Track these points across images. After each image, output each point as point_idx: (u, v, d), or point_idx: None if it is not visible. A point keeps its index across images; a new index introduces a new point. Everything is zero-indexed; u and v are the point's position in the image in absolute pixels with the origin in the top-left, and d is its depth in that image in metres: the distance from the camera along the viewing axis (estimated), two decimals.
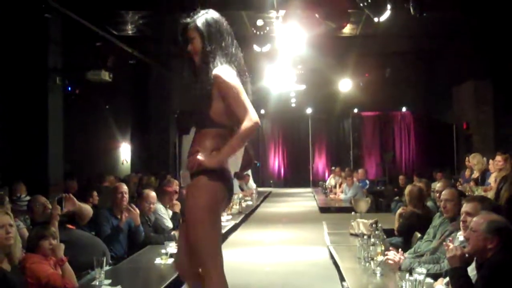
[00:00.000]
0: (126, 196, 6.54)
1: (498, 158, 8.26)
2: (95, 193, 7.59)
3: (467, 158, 10.79)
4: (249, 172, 17.06)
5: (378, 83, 17.07)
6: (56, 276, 4.26)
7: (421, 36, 12.70)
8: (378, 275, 4.67)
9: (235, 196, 11.70)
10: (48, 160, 9.35)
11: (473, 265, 3.74)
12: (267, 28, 10.02)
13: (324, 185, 16.02)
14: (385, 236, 6.22)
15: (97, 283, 4.43)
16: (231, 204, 10.58)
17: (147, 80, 15.03)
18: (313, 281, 6.26)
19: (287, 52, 11.24)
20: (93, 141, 13.15)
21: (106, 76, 10.27)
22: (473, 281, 3.60)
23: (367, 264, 4.96)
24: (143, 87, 15.17)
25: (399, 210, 6.96)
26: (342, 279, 5.26)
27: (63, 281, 4.27)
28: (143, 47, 12.96)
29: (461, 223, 4.34)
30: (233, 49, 3.40)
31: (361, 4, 7.53)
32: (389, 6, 7.64)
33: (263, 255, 7.71)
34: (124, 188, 6.63)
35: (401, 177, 14.30)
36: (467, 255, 3.65)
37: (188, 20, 3.39)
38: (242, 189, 15.15)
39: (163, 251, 5.58)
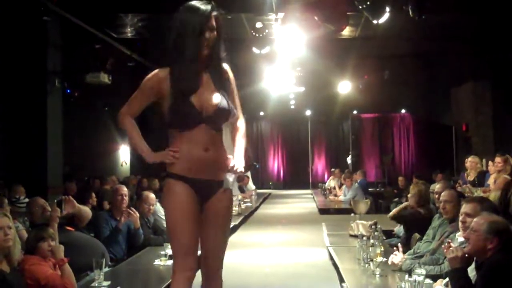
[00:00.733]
0: (126, 198, 6.54)
1: (498, 159, 8.25)
2: (94, 195, 7.60)
3: (466, 159, 10.79)
4: (249, 173, 17.08)
5: (377, 85, 17.06)
6: (55, 277, 4.25)
7: (420, 38, 12.70)
8: (378, 276, 4.67)
9: (235, 198, 11.71)
10: (47, 162, 9.35)
11: (473, 265, 3.73)
12: (266, 31, 10.02)
13: (323, 187, 16.03)
14: (384, 237, 6.26)
15: (96, 285, 4.43)
16: None
17: None
18: (312, 282, 6.28)
19: (286, 54, 11.23)
20: (92, 143, 13.15)
21: (105, 78, 10.28)
22: (473, 281, 3.60)
23: (367, 265, 4.95)
24: None
25: (404, 204, 6.97)
26: (341, 280, 5.25)
27: (62, 282, 4.26)
28: (142, 49, 12.96)
29: (460, 223, 4.35)
30: None
31: (360, 7, 7.54)
32: (388, 9, 7.65)
33: (262, 257, 7.71)
34: (124, 190, 6.63)
35: (400, 178, 14.30)
36: (467, 256, 3.64)
37: (212, 5, 3.24)
38: (241, 191, 15.16)
39: (162, 252, 5.58)
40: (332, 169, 17.86)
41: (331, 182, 16.04)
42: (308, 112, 21.81)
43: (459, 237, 4.46)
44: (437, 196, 6.03)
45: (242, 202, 11.87)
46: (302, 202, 16.59)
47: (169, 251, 5.54)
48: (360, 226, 6.80)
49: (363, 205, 8.29)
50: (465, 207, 4.32)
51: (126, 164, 15.77)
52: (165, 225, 7.05)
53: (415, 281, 3.80)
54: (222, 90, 3.29)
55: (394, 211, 7.00)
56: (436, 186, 6.69)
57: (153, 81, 3.25)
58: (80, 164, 12.18)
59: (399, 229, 7.07)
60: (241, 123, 3.36)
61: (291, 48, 10.52)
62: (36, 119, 9.36)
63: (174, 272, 3.20)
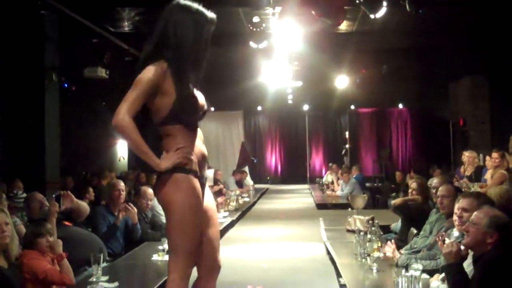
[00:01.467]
0: (123, 193, 6.55)
1: (495, 155, 8.28)
2: (91, 190, 7.60)
3: (463, 154, 10.80)
4: (246, 168, 17.09)
5: (374, 80, 17.05)
6: (53, 272, 4.27)
7: (418, 32, 12.70)
8: (375, 271, 4.68)
9: (232, 193, 11.72)
10: (45, 157, 9.35)
11: (470, 260, 3.76)
12: (264, 25, 10.03)
13: (321, 182, 16.03)
14: (381, 233, 6.25)
15: (94, 280, 4.43)
16: (228, 200, 10.61)
17: None
18: (310, 277, 6.25)
19: (284, 49, 11.24)
20: (90, 138, 13.14)
21: (102, 73, 10.27)
22: (470, 276, 3.63)
23: (364, 260, 4.96)
24: None
25: (412, 197, 6.97)
26: (338, 275, 5.27)
27: (61, 276, 4.28)
28: (140, 43, 12.94)
29: (456, 218, 4.36)
30: None
31: (357, 1, 7.56)
32: (385, 3, 7.67)
33: (260, 252, 7.71)
34: (121, 185, 6.64)
35: (398, 173, 14.33)
36: (463, 248, 3.67)
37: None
38: (239, 186, 15.17)
39: (160, 247, 5.58)
40: (330, 164, 17.87)
41: (328, 177, 16.05)
42: (305, 107, 21.77)
43: (455, 231, 4.48)
44: (434, 191, 6.05)
45: (239, 197, 11.87)
46: (300, 197, 16.54)
47: (166, 246, 5.57)
48: (357, 221, 6.83)
49: (360, 200, 8.30)
50: (462, 202, 4.33)
51: (124, 159, 15.77)
52: (163, 221, 7.13)
53: (411, 276, 3.81)
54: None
55: (399, 200, 6.97)
56: (434, 181, 6.71)
57: (158, 76, 3.13)
58: (78, 159, 12.17)
59: (396, 225, 7.07)
60: None
61: (288, 43, 10.52)
62: (34, 114, 9.35)
63: (175, 271, 3.12)
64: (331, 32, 11.67)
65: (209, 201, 3.36)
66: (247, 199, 12.98)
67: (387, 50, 15.08)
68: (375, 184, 15.61)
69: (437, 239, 4.01)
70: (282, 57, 11.90)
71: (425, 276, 4.14)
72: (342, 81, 16.62)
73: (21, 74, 9.28)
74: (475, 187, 8.06)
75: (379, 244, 5.13)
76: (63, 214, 5.41)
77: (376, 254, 4.91)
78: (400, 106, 20.42)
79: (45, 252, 4.39)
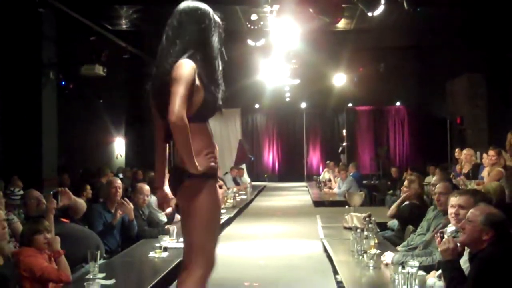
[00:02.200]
0: (120, 190, 6.55)
1: (491, 152, 8.28)
2: (88, 187, 7.59)
3: (458, 151, 10.84)
4: (244, 166, 17.09)
5: (372, 78, 17.07)
6: (50, 270, 4.26)
7: (415, 30, 12.72)
8: (371, 268, 4.69)
9: (230, 190, 11.72)
10: (42, 155, 9.36)
11: (466, 257, 3.78)
12: (261, 23, 10.00)
13: (318, 179, 16.04)
14: (378, 230, 6.25)
15: (91, 277, 4.42)
16: (225, 198, 10.62)
17: (141, 74, 14.97)
18: (307, 274, 6.28)
19: (282, 47, 11.20)
20: (87, 136, 13.14)
21: (100, 70, 10.26)
22: (466, 273, 3.63)
23: (360, 257, 4.96)
24: (137, 82, 15.10)
25: (401, 198, 6.98)
26: (335, 272, 5.28)
27: (58, 274, 4.27)
28: (138, 41, 12.92)
29: (453, 215, 4.37)
30: None
31: None
32: (382, 1, 7.64)
33: (257, 249, 7.73)
34: (118, 182, 6.64)
35: (393, 169, 14.34)
36: (459, 245, 3.69)
37: None
38: (236, 183, 15.17)
39: (157, 244, 5.60)
40: (327, 162, 17.88)
41: (325, 175, 16.06)
42: (303, 105, 21.79)
43: (449, 227, 4.50)
44: (432, 188, 6.06)
45: (237, 195, 11.88)
46: (297, 194, 16.57)
47: (164, 243, 5.59)
48: (354, 218, 6.81)
49: (357, 198, 8.28)
50: (458, 200, 4.34)
51: (121, 156, 15.76)
52: (160, 218, 7.17)
53: (408, 272, 3.82)
54: None
55: (391, 209, 7.00)
56: (433, 178, 6.73)
57: (194, 74, 3.13)
58: (75, 157, 12.16)
59: (392, 222, 7.08)
60: None
61: (286, 41, 10.48)
62: (31, 111, 9.35)
63: (202, 268, 3.18)
64: (329, 30, 11.68)
65: None
66: (244, 197, 12.99)
67: (385, 48, 15.12)
68: (372, 182, 15.61)
69: (436, 235, 4.01)
70: (280, 55, 11.87)
71: (421, 273, 4.12)
72: (340, 79, 16.64)
73: (18, 71, 9.28)
74: (472, 185, 8.07)
75: (376, 241, 5.13)
76: (60, 211, 5.41)
77: (373, 251, 4.90)
78: (398, 104, 20.43)
79: (42, 249, 4.37)
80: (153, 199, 7.33)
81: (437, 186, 5.48)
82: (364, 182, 14.97)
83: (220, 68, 3.36)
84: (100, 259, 4.75)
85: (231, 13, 10.68)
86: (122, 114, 15.62)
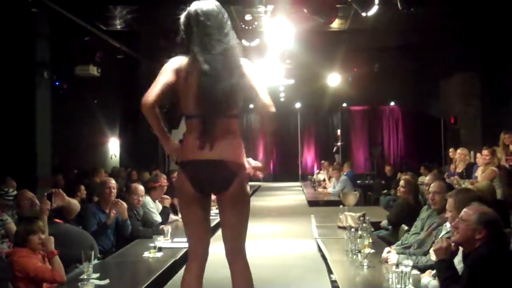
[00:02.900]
0: (114, 191, 6.54)
1: (485, 152, 8.30)
2: (83, 188, 7.58)
3: (452, 151, 10.86)
4: None
5: (366, 78, 17.09)
6: (44, 270, 4.28)
7: (409, 30, 12.72)
8: (365, 267, 4.71)
9: None
10: (36, 155, 9.31)
11: (460, 257, 3.79)
12: (256, 23, 9.98)
13: (312, 179, 16.05)
14: (372, 229, 6.26)
15: (85, 277, 4.42)
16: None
17: (135, 74, 14.96)
18: (301, 273, 6.27)
19: (276, 47, 11.21)
20: (81, 136, 13.12)
21: (94, 71, 10.24)
22: (460, 272, 3.65)
23: (355, 256, 4.98)
24: (132, 82, 15.09)
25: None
26: (330, 271, 5.28)
27: (52, 274, 4.28)
28: (132, 41, 12.90)
29: (449, 214, 4.38)
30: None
31: None
32: (376, 1, 7.67)
33: (252, 248, 7.60)
34: (112, 183, 6.63)
35: (387, 167, 14.34)
36: (453, 245, 3.70)
37: None
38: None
39: (152, 244, 5.59)
40: (322, 161, 17.89)
41: (320, 175, 16.07)
42: (297, 105, 21.82)
43: (446, 227, 4.51)
44: (426, 187, 6.07)
45: None
46: (292, 194, 16.59)
47: (159, 243, 5.61)
48: (348, 217, 6.85)
49: (352, 197, 8.28)
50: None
51: (115, 156, 15.74)
52: (155, 218, 7.19)
53: (402, 272, 3.84)
54: None
55: (392, 216, 7.04)
56: (426, 178, 6.75)
57: None
58: (69, 157, 12.14)
59: (386, 221, 7.10)
60: None
61: (280, 41, 10.50)
62: (25, 112, 9.30)
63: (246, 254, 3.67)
64: (323, 30, 11.65)
65: None
66: None
67: (379, 48, 15.11)
68: (367, 181, 15.63)
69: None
70: (274, 55, 11.87)
71: (415, 272, 4.17)
72: (334, 79, 16.66)
73: (12, 72, 9.24)
74: (466, 184, 8.09)
75: (370, 241, 5.15)
76: (53, 212, 5.40)
77: (367, 250, 4.92)
78: (392, 104, 20.46)
79: (36, 250, 4.39)
80: (147, 199, 7.33)
81: (432, 185, 5.48)
82: (358, 181, 14.99)
83: None
84: (94, 259, 4.77)
85: None
86: (116, 115, 15.60)
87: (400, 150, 20.27)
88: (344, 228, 6.52)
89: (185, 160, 3.38)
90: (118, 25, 11.77)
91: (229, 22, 3.41)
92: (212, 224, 4.79)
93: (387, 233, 6.90)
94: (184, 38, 3.38)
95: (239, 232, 3.61)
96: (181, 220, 8.15)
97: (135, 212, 6.87)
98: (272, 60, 12.22)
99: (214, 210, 4.11)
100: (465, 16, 11.64)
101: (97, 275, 4.50)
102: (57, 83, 10.85)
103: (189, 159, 3.36)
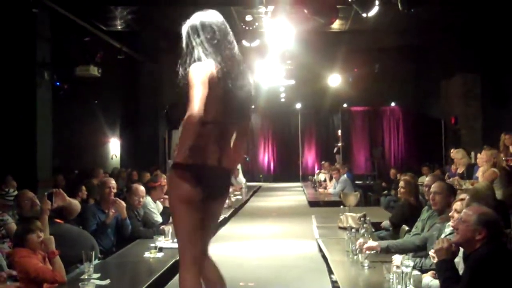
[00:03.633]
0: (114, 191, 6.55)
1: (485, 152, 8.30)
2: (83, 188, 7.58)
3: (452, 151, 10.87)
4: (239, 166, 17.06)
5: (367, 78, 17.08)
6: (45, 270, 4.27)
7: (410, 31, 12.71)
8: (366, 267, 4.70)
9: None
10: (36, 155, 9.32)
11: (460, 257, 3.79)
12: (256, 24, 10.01)
13: (313, 179, 16.03)
14: (373, 229, 6.26)
15: (86, 277, 4.41)
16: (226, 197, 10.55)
17: (136, 75, 14.98)
18: (302, 274, 6.27)
19: (276, 48, 11.22)
20: (82, 136, 13.11)
21: (94, 71, 10.26)
22: (461, 272, 3.65)
23: (355, 257, 4.96)
24: (132, 82, 15.12)
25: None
26: (330, 271, 5.27)
27: (53, 274, 4.27)
28: (132, 42, 12.90)
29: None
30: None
31: (350, 0, 7.55)
32: (377, 2, 7.67)
33: (252, 249, 7.72)
34: (112, 183, 6.64)
35: (392, 170, 14.32)
36: (453, 246, 3.69)
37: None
38: (231, 184, 15.14)
39: (152, 245, 5.58)
40: (322, 162, 17.88)
41: (320, 175, 16.06)
42: (298, 105, 21.82)
43: (447, 228, 4.51)
44: (426, 188, 6.05)
45: (232, 195, 11.87)
46: (292, 194, 16.57)
47: (159, 243, 5.59)
48: (349, 218, 6.82)
49: (352, 198, 8.29)
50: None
51: (116, 157, 15.73)
52: (155, 219, 7.18)
53: (402, 272, 3.83)
54: None
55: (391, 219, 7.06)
56: (426, 179, 6.75)
57: None
58: (70, 157, 12.14)
59: (387, 222, 7.09)
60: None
61: (281, 41, 10.50)
62: (26, 112, 9.31)
63: None
64: (324, 31, 11.67)
65: None
66: (239, 197, 12.97)
67: (380, 49, 15.11)
68: (368, 182, 15.62)
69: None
70: (275, 56, 11.88)
71: (416, 272, 4.16)
72: (335, 80, 16.66)
73: (12, 72, 9.25)
74: (467, 185, 8.09)
75: (370, 240, 5.10)
76: (54, 212, 5.40)
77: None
78: (393, 104, 20.45)
79: (36, 249, 4.37)
80: (148, 200, 7.33)
81: (432, 185, 5.46)
82: (359, 182, 14.99)
83: None
84: (95, 260, 4.77)
85: (226, 14, 10.63)
86: (117, 115, 15.59)
87: (400, 150, 20.25)
88: (344, 228, 6.49)
89: (197, 164, 3.23)
90: (119, 25, 11.78)
91: (231, 32, 3.50)
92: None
93: (388, 233, 6.87)
94: (193, 47, 3.37)
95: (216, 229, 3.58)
96: None
97: (136, 212, 6.87)
98: (273, 61, 12.26)
99: None
100: (465, 17, 11.63)
101: (98, 275, 4.49)
102: (57, 84, 10.83)
103: (202, 163, 3.25)
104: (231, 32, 3.47)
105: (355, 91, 17.96)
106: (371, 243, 4.89)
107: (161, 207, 7.74)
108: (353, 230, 5.34)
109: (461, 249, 3.77)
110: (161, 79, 14.69)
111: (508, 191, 6.93)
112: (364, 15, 7.89)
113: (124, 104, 15.49)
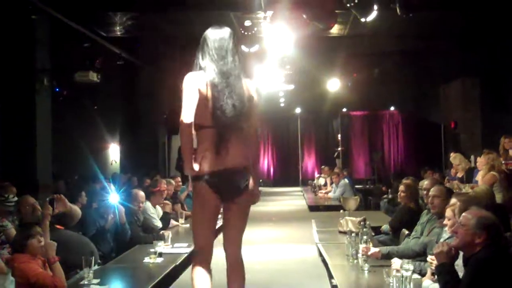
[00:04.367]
0: None
1: (485, 156, 8.29)
2: (83, 194, 7.57)
3: (452, 155, 10.86)
4: None
5: (366, 83, 17.08)
6: (45, 276, 4.26)
7: (409, 35, 12.69)
8: (366, 272, 4.71)
9: None
10: (36, 162, 9.28)
11: (460, 261, 3.76)
12: (255, 29, 9.99)
13: (313, 184, 16.01)
14: (373, 234, 6.27)
15: (86, 283, 4.43)
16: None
17: (135, 80, 14.96)
18: (302, 278, 6.29)
19: (275, 53, 11.20)
20: (81, 142, 13.08)
21: (94, 77, 10.23)
22: (461, 276, 3.62)
23: (355, 261, 4.98)
24: (132, 88, 15.09)
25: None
26: (330, 276, 5.28)
27: (52, 280, 4.26)
28: (132, 47, 12.90)
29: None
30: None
31: (348, 5, 7.54)
32: (375, 7, 7.65)
33: (252, 254, 7.69)
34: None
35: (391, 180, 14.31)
36: (453, 250, 3.68)
37: None
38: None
39: (152, 250, 5.59)
40: (322, 166, 17.86)
41: (320, 180, 16.04)
42: (297, 110, 21.82)
43: (445, 232, 4.51)
44: (425, 192, 6.05)
45: None
46: (292, 199, 16.57)
47: (159, 248, 5.62)
48: (349, 222, 6.85)
49: (352, 202, 8.33)
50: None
51: (116, 162, 15.70)
52: (155, 224, 7.21)
53: (402, 276, 3.84)
54: None
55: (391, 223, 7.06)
56: (425, 182, 6.75)
57: None
58: (70, 163, 12.12)
59: (386, 226, 7.09)
60: None
61: (280, 47, 10.48)
62: (25, 118, 9.27)
63: None
64: (323, 36, 11.65)
65: None
66: None
67: (379, 53, 15.10)
68: (367, 186, 15.59)
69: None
70: (274, 61, 11.88)
71: (416, 276, 4.13)
72: (334, 85, 16.64)
73: (12, 78, 9.22)
74: (467, 188, 8.07)
75: (371, 245, 5.14)
76: (55, 218, 5.40)
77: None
78: (392, 109, 20.43)
79: (36, 255, 4.36)
80: (147, 205, 7.33)
81: (431, 189, 5.47)
82: (359, 186, 14.96)
83: None
84: (94, 265, 4.77)
85: (225, 19, 10.67)
86: (116, 121, 15.55)
87: (400, 155, 20.24)
88: (344, 233, 6.50)
89: (204, 173, 3.68)
90: (118, 31, 11.77)
91: (238, 48, 3.95)
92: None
93: (388, 237, 6.88)
94: (199, 57, 3.86)
95: (242, 231, 3.98)
96: (181, 225, 8.25)
97: (136, 218, 6.87)
98: (272, 66, 12.24)
99: None
100: (465, 21, 11.62)
101: (98, 280, 4.52)
102: (57, 90, 10.82)
103: (207, 171, 3.68)
104: (229, 47, 3.86)
105: (354, 96, 17.96)
106: (374, 249, 4.92)
107: (161, 212, 7.74)
108: (353, 234, 5.35)
109: (461, 253, 3.74)
110: (160, 85, 14.68)
111: (508, 195, 6.92)
112: (362, 20, 7.87)
113: (124, 109, 15.46)
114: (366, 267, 4.74)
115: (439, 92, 17.15)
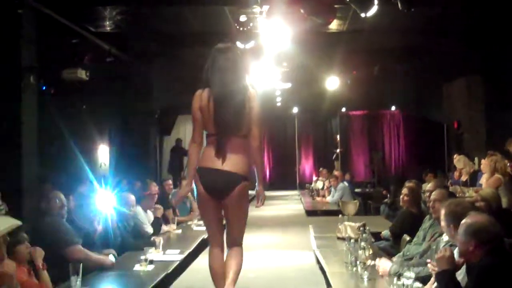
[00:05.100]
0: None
1: (489, 158, 8.16)
2: (71, 198, 7.35)
3: (455, 157, 10.74)
4: None
5: (366, 81, 16.91)
6: (31, 284, 4.25)
7: (411, 32, 12.56)
8: (366, 280, 4.62)
9: None
10: (21, 163, 9.05)
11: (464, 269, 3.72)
12: (251, 24, 9.91)
13: (310, 188, 15.92)
14: (373, 240, 6.31)
15: None
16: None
17: (126, 78, 14.71)
18: (299, 286, 6.26)
19: (272, 49, 11.13)
20: (69, 143, 12.85)
21: (82, 74, 10.17)
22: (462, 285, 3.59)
23: (354, 268, 4.90)
24: (122, 86, 14.85)
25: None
26: (328, 284, 5.24)
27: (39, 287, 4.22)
28: (122, 44, 12.69)
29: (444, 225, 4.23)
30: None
31: None
32: (376, 1, 7.53)
33: (247, 260, 7.46)
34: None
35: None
36: (457, 259, 3.63)
37: None
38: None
39: (142, 257, 5.52)
40: (320, 169, 17.66)
41: (318, 183, 15.83)
42: (295, 109, 21.75)
43: (444, 237, 4.47)
44: (428, 194, 6.03)
45: None
46: (289, 203, 16.69)
47: (150, 255, 5.62)
48: (348, 228, 6.78)
49: (351, 206, 8.19)
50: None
51: (105, 165, 15.46)
52: (146, 230, 7.14)
53: (403, 284, 3.88)
54: None
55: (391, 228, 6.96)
56: (428, 186, 6.71)
57: None
58: (57, 165, 11.89)
59: (387, 231, 7.02)
60: None
61: (276, 43, 10.41)
62: (10, 117, 9.06)
63: None
64: (321, 31, 11.58)
65: None
66: None
67: (379, 50, 14.91)
68: (367, 190, 15.50)
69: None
70: (270, 57, 11.81)
71: (417, 284, 4.12)
72: (333, 83, 16.44)
73: None
74: (470, 192, 8.03)
75: (371, 252, 5.10)
76: None
77: (368, 262, 4.81)
78: (393, 108, 20.37)
79: (22, 261, 4.29)
80: (138, 210, 7.21)
81: (433, 193, 5.45)
82: (358, 190, 14.88)
83: None
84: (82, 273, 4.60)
85: (219, 14, 10.54)
86: (106, 120, 15.32)
87: (401, 156, 20.15)
88: (343, 239, 6.42)
89: (201, 167, 4.52)
90: (108, 26, 11.60)
91: (244, 64, 4.67)
92: None
93: (389, 244, 6.83)
94: (207, 72, 4.51)
95: (236, 227, 4.80)
96: (173, 231, 8.31)
97: (126, 224, 6.79)
98: (268, 63, 12.15)
99: None
100: (468, 17, 11.50)
101: None
102: (44, 88, 10.66)
103: (204, 166, 4.49)
104: (234, 62, 4.49)
105: (354, 94, 17.81)
106: (383, 265, 4.81)
107: (152, 218, 7.63)
108: (352, 240, 5.31)
109: None
110: (152, 83, 14.51)
111: None
112: (362, 15, 7.73)
113: (114, 109, 15.20)
114: (365, 275, 4.66)
115: (442, 91, 17.09)
